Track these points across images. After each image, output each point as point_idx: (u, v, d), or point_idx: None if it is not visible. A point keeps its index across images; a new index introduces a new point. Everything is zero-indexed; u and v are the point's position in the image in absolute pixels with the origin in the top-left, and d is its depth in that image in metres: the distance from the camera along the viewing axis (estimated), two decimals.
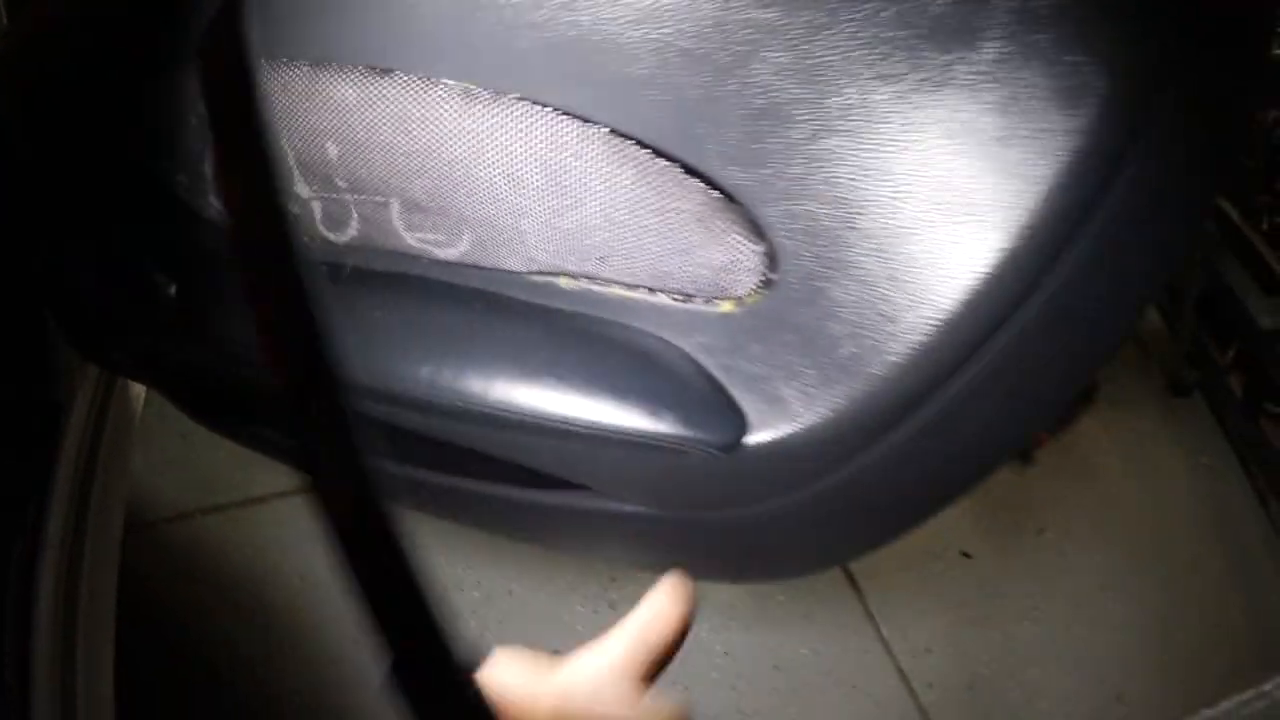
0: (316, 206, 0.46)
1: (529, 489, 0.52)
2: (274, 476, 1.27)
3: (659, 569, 0.71)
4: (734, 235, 0.40)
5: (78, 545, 0.83)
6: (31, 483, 0.81)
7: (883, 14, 0.36)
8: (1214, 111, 0.41)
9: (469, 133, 0.41)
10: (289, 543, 1.22)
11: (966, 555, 1.36)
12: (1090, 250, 0.38)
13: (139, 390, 1.00)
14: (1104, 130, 0.35)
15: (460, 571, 1.14)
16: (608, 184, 0.40)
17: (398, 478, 0.55)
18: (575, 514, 0.54)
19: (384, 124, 0.43)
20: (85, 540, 0.83)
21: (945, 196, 0.37)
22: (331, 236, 0.47)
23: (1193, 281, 1.91)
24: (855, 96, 0.36)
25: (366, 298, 0.46)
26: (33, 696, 0.67)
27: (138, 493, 1.12)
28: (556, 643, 1.03)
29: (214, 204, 0.47)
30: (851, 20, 0.36)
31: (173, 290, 0.50)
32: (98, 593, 0.85)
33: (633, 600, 1.17)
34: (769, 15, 0.36)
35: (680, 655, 1.10)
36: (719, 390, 0.42)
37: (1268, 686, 1.06)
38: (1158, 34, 0.36)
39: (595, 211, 0.40)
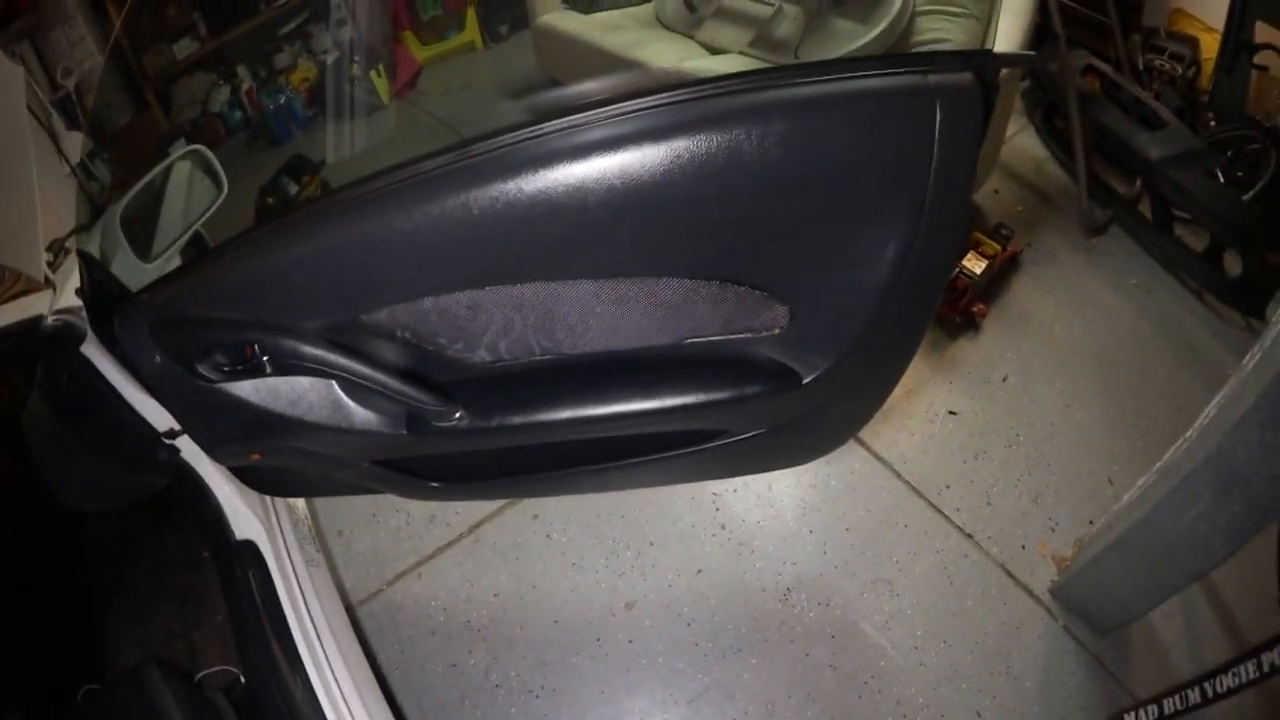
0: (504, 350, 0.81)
1: (692, 446, 0.95)
2: (425, 541, 1.60)
3: (759, 470, 1.18)
4: (776, 305, 0.78)
5: (318, 632, 1.00)
6: (257, 602, 0.97)
7: None
8: None
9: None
10: (466, 578, 1.56)
11: (953, 413, 1.79)
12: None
13: (300, 508, 1.24)
14: None
15: (610, 542, 1.60)
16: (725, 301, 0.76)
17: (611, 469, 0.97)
18: (716, 451, 0.96)
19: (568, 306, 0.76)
20: (322, 625, 1.01)
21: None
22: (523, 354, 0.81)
23: (1084, 136, 2.28)
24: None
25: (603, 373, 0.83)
26: None
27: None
28: (696, 564, 1.53)
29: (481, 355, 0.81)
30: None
31: (459, 415, 0.84)
32: (354, 662, 1.03)
33: (733, 518, 1.80)
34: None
35: (780, 531, 1.65)
36: (783, 365, 0.83)
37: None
38: None
39: (716, 316, 0.79)
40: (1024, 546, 1.61)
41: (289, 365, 0.79)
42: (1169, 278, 2.19)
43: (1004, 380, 1.86)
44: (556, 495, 1.52)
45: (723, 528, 1.59)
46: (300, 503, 1.30)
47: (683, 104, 0.68)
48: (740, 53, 2.13)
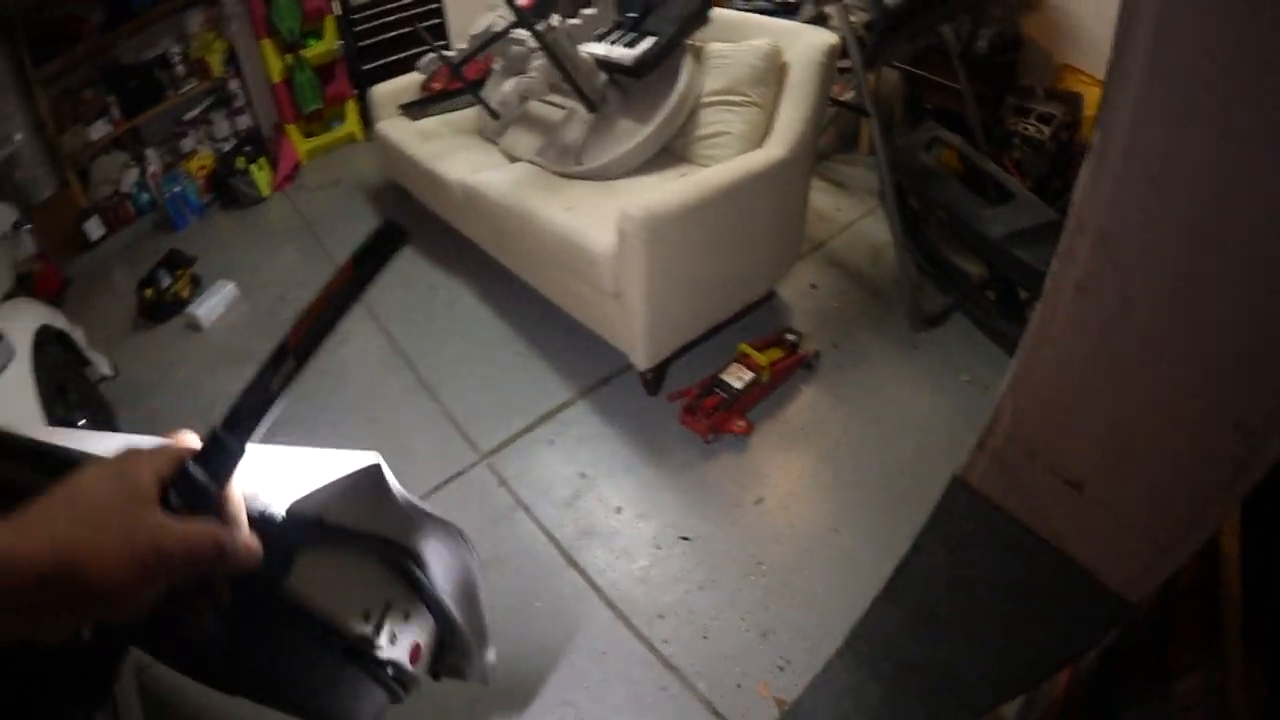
0: None
1: None
2: None
3: None
4: None
5: None
6: None
7: None
8: None
9: None
10: None
11: (685, 539, 1.70)
12: None
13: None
14: None
15: None
16: None
17: None
18: None
19: None
20: None
21: None
22: None
23: (922, 217, 2.05)
24: None
25: None
26: None
27: None
28: None
29: None
30: None
31: None
32: None
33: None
34: None
35: None
36: None
37: None
38: None
39: None
40: (740, 685, 1.53)
41: None
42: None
43: (756, 503, 1.76)
44: None
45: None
46: None
47: None
48: (530, 161, 2.13)
